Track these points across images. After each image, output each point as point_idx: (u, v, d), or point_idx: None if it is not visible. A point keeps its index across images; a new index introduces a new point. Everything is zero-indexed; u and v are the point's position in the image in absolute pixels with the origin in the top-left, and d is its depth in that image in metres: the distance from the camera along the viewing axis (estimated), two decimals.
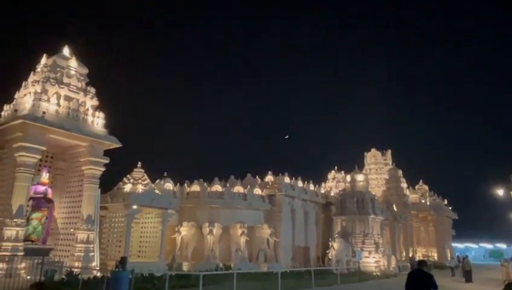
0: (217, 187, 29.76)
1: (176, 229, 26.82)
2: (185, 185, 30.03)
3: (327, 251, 31.82)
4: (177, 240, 26.76)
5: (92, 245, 19.78)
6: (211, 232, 26.75)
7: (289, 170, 33.92)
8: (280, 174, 33.36)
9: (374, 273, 28.94)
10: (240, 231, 27.58)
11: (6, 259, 16.59)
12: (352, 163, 42.38)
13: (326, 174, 48.21)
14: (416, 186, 51.78)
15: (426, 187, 52.30)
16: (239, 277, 17.01)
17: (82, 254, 19.13)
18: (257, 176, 33.88)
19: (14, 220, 17.29)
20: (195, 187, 29.62)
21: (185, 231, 26.90)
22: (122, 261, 12.08)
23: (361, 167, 47.28)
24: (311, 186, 36.41)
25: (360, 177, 36.18)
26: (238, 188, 30.21)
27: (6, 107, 20.53)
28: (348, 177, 37.08)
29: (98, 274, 17.89)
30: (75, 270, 16.72)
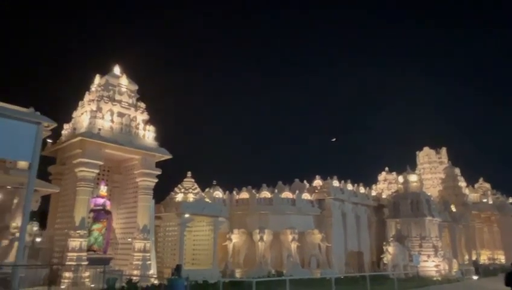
0: (266, 193, 29.83)
1: (227, 236, 27.18)
2: (234, 192, 30.40)
3: (382, 256, 30.73)
4: (228, 247, 27.10)
5: (148, 254, 20.58)
6: (261, 238, 26.83)
7: (337, 174, 33.30)
8: (328, 178, 32.82)
9: (435, 278, 27.49)
10: (290, 237, 27.42)
11: (72, 268, 17.69)
12: (403, 163, 40.80)
13: (377, 176, 46.73)
14: (476, 185, 48.68)
15: (488, 185, 48.97)
16: (292, 283, 16.90)
17: (140, 263, 19.95)
18: (305, 181, 33.55)
19: (77, 231, 18.44)
20: (244, 194, 29.89)
21: (236, 238, 27.19)
22: (178, 268, 12.42)
23: (413, 167, 45.34)
24: (362, 189, 35.45)
25: (413, 177, 34.71)
26: (287, 194, 30.10)
27: (65, 126, 22.00)
28: (401, 178, 35.67)
29: (156, 282, 18.56)
30: (134, 278, 17.44)
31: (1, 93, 18.37)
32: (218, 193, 28.85)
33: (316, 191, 31.93)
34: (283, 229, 27.90)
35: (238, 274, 25.56)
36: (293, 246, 27.35)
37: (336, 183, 32.57)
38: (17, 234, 16.90)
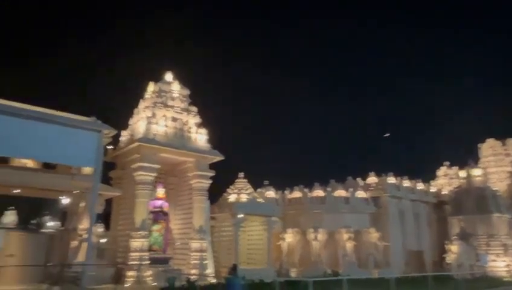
0: (318, 192, 29.45)
1: (281, 236, 27.18)
2: (286, 191, 30.33)
3: (444, 255, 29.12)
4: (282, 246, 27.10)
5: (205, 254, 21.12)
6: (315, 238, 26.54)
7: (393, 170, 32.05)
8: (383, 174, 31.70)
9: (506, 279, 25.55)
10: (345, 236, 26.86)
11: (135, 267, 18.60)
12: (463, 157, 38.29)
13: (435, 171, 44.31)
14: None
15: None
16: (350, 283, 16.49)
17: (197, 262, 20.54)
18: (358, 178, 32.66)
19: (139, 232, 19.36)
20: (296, 193, 29.72)
21: (290, 237, 27.12)
22: (234, 268, 12.64)
23: (475, 160, 42.44)
24: (420, 186, 33.83)
25: (477, 171, 32.56)
26: (340, 192, 29.49)
27: (123, 133, 23.19)
28: (463, 173, 33.58)
29: (213, 281, 19.00)
30: (192, 277, 17.96)
31: (62, 103, 19.75)
32: (271, 193, 28.94)
33: (371, 188, 30.99)
34: (337, 228, 27.38)
35: (293, 274, 25.48)
36: (349, 245, 26.75)
37: (391, 179, 31.39)
38: (85, 236, 18.13)
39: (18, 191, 18.89)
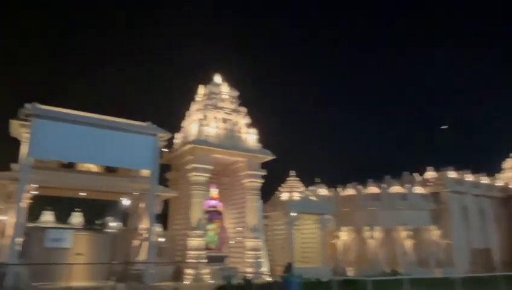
0: (373, 189, 28.55)
1: (335, 234, 26.69)
2: (339, 189, 29.74)
3: None
4: (337, 245, 26.60)
5: (260, 252, 21.28)
6: (371, 236, 25.75)
7: (453, 164, 30.23)
8: (442, 168, 30.04)
9: None
10: (403, 234, 25.80)
11: (193, 266, 19.16)
12: None
13: (500, 163, 41.22)
14: None
15: None
16: (411, 283, 15.79)
17: (252, 261, 20.74)
18: (415, 174, 31.19)
19: (195, 231, 19.92)
20: (350, 191, 29.03)
21: (345, 235, 26.55)
22: (288, 266, 12.55)
23: None
24: (484, 180, 31.64)
25: None
26: (396, 188, 28.37)
27: (177, 135, 23.97)
28: None
29: (269, 279, 19.05)
30: (248, 275, 18.14)
31: (117, 109, 20.80)
32: (323, 191, 28.52)
33: (429, 183, 29.49)
34: (395, 226, 26.36)
35: (349, 273, 24.92)
36: (408, 243, 25.67)
37: (452, 174, 29.68)
38: (145, 235, 18.97)
39: (84, 194, 20.20)
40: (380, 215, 27.11)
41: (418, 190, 28.53)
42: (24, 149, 17.25)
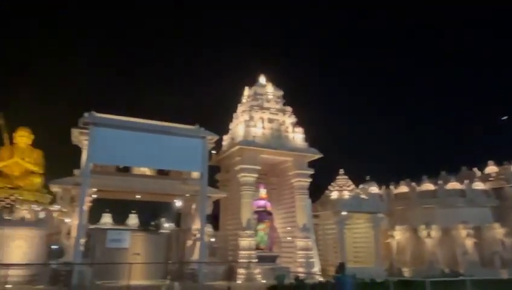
0: (428, 185, 27.23)
1: (389, 233, 25.77)
2: (391, 186, 28.70)
3: None
4: (391, 244, 25.67)
5: (311, 252, 21.09)
6: (428, 235, 24.58)
7: None
8: (505, 162, 28.00)
9: None
10: (463, 233, 24.35)
11: (245, 265, 19.38)
12: None
13: None
14: None
15: None
16: (474, 284, 14.89)
17: (303, 260, 20.60)
18: (475, 168, 29.32)
19: (246, 231, 20.15)
20: (403, 188, 27.90)
21: (399, 234, 25.55)
22: (341, 266, 12.26)
23: None
24: None
25: None
26: (454, 184, 26.84)
27: (225, 137, 24.39)
28: None
29: (321, 279, 18.82)
30: (300, 275, 18.03)
31: (165, 113, 21.55)
32: (374, 188, 27.67)
33: (491, 178, 27.61)
34: (453, 224, 24.95)
35: (406, 273, 23.94)
36: (468, 242, 24.20)
37: None
38: (198, 235, 19.48)
39: (139, 196, 21.14)
40: (437, 213, 25.78)
41: (478, 185, 26.81)
42: (84, 155, 18.41)
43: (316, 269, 21.07)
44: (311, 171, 22.16)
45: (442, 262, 24.27)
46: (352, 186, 24.38)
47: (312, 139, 23.04)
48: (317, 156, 22.74)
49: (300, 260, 20.73)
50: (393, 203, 27.38)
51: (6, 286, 12.64)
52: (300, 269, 19.82)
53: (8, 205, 20.85)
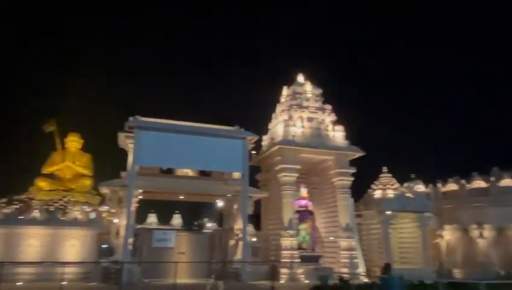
0: (479, 183, 25.80)
1: (437, 233, 24.72)
2: (438, 184, 27.48)
3: None
4: (440, 244, 24.60)
5: (355, 252, 20.65)
6: (480, 235, 23.32)
7: None
8: None
9: None
10: None
11: (288, 265, 19.31)
12: None
13: None
14: None
15: None
16: None
17: (347, 261, 20.21)
18: None
19: (287, 231, 20.08)
20: (451, 186, 26.64)
21: (449, 234, 24.45)
22: (387, 267, 11.90)
23: None
24: None
25: None
26: (508, 181, 25.26)
27: (264, 137, 24.44)
28: None
29: (366, 280, 18.39)
30: (344, 275, 17.70)
31: (205, 115, 21.91)
32: (420, 187, 26.63)
33: None
34: (508, 224, 23.50)
35: (457, 275, 22.85)
36: None
37: None
38: (240, 235, 19.65)
39: (182, 197, 21.65)
40: (489, 212, 24.38)
41: None
42: (130, 158, 19.13)
43: (361, 269, 20.61)
44: (352, 170, 21.73)
45: (497, 263, 22.95)
46: (397, 184, 23.62)
47: (353, 137, 22.61)
48: (359, 154, 22.26)
49: (343, 260, 20.37)
50: (441, 201, 26.21)
51: (62, 283, 13.41)
52: (344, 270, 19.46)
53: (62, 207, 22.04)
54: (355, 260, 20.46)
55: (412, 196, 23.26)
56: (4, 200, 19.88)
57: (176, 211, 30.07)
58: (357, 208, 23.11)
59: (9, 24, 54.07)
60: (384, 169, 24.24)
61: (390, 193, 22.68)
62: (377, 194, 22.96)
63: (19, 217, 18.04)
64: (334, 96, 24.85)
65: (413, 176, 27.45)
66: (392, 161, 26.06)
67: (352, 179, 21.73)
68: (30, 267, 16.73)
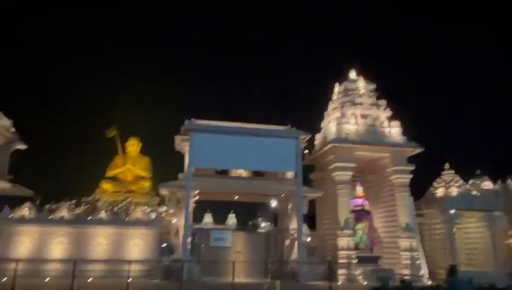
0: None
1: (510, 233, 22.89)
2: (508, 181, 25.44)
3: None
4: None
5: (416, 253, 19.75)
6: None
7: None
8: None
9: None
10: None
11: (345, 266, 18.91)
12: None
13: None
14: None
15: None
16: None
17: (408, 262, 19.36)
18: None
19: (344, 231, 19.66)
20: None
21: None
22: (452, 269, 11.20)
23: None
24: None
25: None
26: None
27: (317, 136, 24.12)
28: None
29: (429, 282, 17.53)
30: (406, 277, 16.98)
31: (256, 115, 22.00)
32: (487, 183, 24.80)
33: None
34: None
35: None
36: None
37: None
38: (295, 235, 19.56)
39: (236, 197, 21.99)
40: None
41: None
42: (186, 160, 19.77)
43: (423, 271, 19.66)
44: (411, 167, 20.78)
45: None
46: (461, 181, 22.19)
47: (411, 133, 21.62)
48: (418, 150, 21.25)
49: (404, 261, 19.53)
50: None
51: (128, 280, 14.15)
52: (406, 271, 18.66)
53: (124, 207, 23.30)
54: (417, 262, 19.54)
55: (479, 194, 21.78)
56: (73, 202, 21.34)
57: (231, 211, 30.64)
58: (417, 207, 22.05)
59: (73, 28, 58.12)
60: (447, 165, 22.89)
61: (454, 191, 21.36)
62: (439, 192, 21.72)
63: (88, 218, 19.29)
64: (389, 90, 23.93)
65: (478, 172, 25.62)
66: (454, 157, 24.55)
67: (410, 176, 20.78)
68: (99, 265, 17.86)
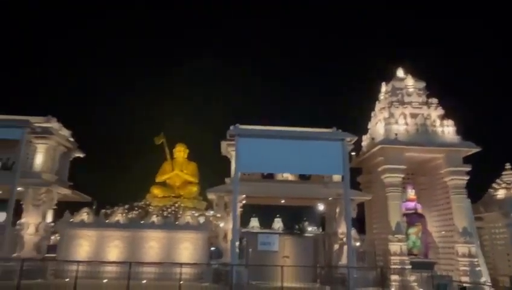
0: None
1: None
2: None
3: None
4: None
5: (476, 259, 18.59)
6: None
7: None
8: None
9: None
10: None
11: (398, 272, 18.18)
12: None
13: None
14: None
15: None
16: None
17: (467, 269, 18.26)
18: None
19: (395, 235, 18.95)
20: None
21: None
22: None
23: None
24: None
25: None
26: None
27: (364, 137, 23.49)
28: None
29: None
30: (466, 285, 16.04)
31: (299, 117, 21.77)
32: None
33: None
34: None
35: None
36: None
37: None
38: (344, 239, 19.10)
39: (283, 201, 21.88)
40: None
41: None
42: (233, 165, 19.99)
43: (484, 278, 18.45)
44: (467, 168, 19.65)
45: None
46: None
47: (468, 131, 20.47)
48: (474, 150, 20.06)
49: (463, 268, 18.43)
50: None
51: (180, 282, 14.51)
52: (465, 279, 17.61)
53: (174, 212, 23.96)
54: (478, 268, 18.37)
55: None
56: (126, 206, 22.26)
57: (277, 215, 30.59)
58: (475, 210, 20.80)
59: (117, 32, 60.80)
60: (507, 165, 21.43)
61: None
62: (500, 194, 20.37)
63: (141, 222, 20.04)
64: (442, 87, 22.84)
65: None
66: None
67: (467, 177, 19.66)
68: (152, 267, 18.47)
